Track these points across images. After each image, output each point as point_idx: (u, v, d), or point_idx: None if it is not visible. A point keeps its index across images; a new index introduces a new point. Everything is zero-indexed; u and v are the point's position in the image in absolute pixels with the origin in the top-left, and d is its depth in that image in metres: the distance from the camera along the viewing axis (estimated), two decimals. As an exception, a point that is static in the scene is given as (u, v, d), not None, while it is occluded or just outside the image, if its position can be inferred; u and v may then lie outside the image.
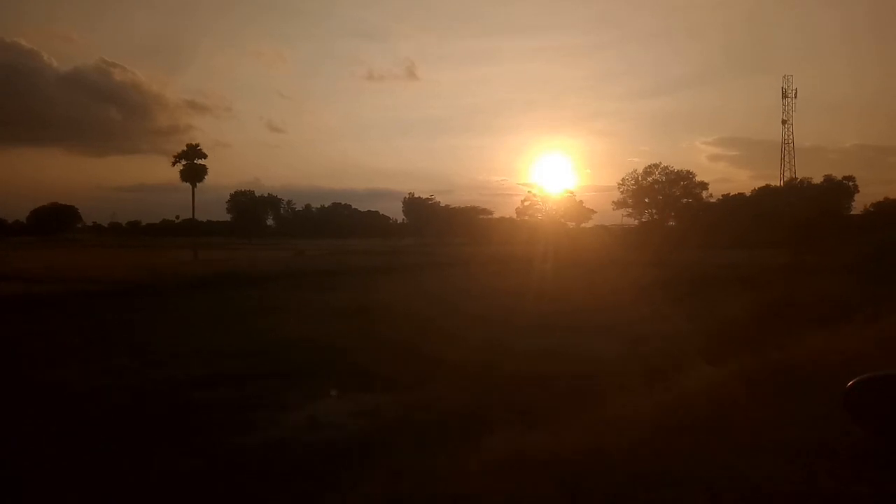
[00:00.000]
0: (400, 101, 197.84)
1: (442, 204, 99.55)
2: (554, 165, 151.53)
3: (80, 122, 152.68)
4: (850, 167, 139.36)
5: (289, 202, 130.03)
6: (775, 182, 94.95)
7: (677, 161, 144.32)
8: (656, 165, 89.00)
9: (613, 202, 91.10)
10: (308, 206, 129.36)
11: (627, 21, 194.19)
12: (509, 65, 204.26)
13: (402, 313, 18.23)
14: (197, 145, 55.76)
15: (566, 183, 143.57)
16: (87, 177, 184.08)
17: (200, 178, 56.46)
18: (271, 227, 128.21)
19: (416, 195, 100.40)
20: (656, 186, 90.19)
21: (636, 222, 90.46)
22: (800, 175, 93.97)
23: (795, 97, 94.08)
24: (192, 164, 55.65)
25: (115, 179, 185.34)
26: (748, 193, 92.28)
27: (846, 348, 8.59)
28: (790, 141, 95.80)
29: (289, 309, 20.59)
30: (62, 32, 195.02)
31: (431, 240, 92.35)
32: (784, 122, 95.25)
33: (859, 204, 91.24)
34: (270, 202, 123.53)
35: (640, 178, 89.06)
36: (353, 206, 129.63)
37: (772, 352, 11.47)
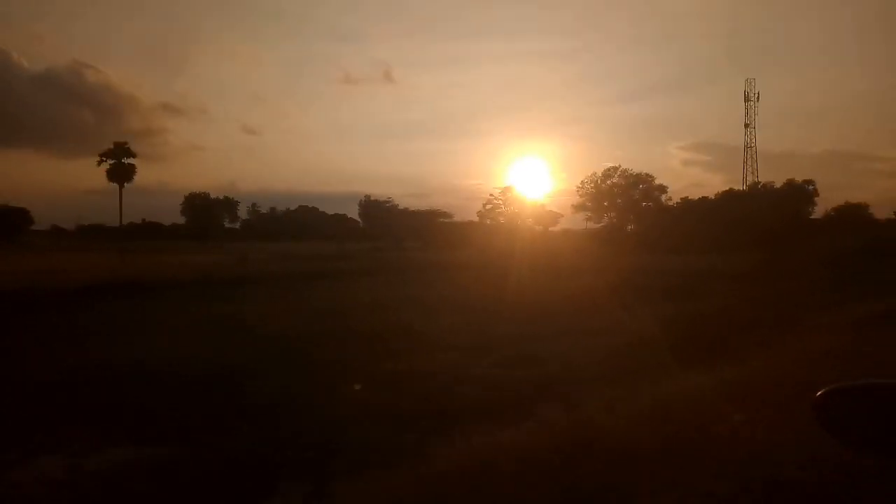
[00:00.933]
0: (377, 104, 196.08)
1: (400, 207, 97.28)
2: (529, 169, 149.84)
3: (52, 123, 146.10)
4: (821, 172, 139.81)
5: (253, 205, 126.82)
6: (740, 186, 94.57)
7: (651, 166, 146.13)
8: (615, 168, 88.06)
9: (572, 205, 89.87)
10: (273, 209, 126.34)
11: (604, 26, 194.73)
12: (486, 69, 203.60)
13: (271, 333, 15.94)
14: (125, 143, 52.53)
15: (541, 187, 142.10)
16: (57, 179, 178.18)
17: (129, 179, 53.14)
18: (233, 229, 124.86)
19: (372, 198, 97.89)
20: (616, 190, 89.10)
21: (596, 226, 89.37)
22: (765, 179, 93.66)
23: (758, 100, 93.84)
24: (120, 164, 52.38)
25: (87, 182, 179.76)
26: (712, 197, 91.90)
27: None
28: (753, 145, 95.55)
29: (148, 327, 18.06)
30: (34, 31, 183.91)
31: (388, 244, 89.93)
32: (747, 125, 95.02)
33: (821, 208, 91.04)
34: (226, 205, 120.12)
35: (598, 181, 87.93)
36: (321, 210, 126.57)
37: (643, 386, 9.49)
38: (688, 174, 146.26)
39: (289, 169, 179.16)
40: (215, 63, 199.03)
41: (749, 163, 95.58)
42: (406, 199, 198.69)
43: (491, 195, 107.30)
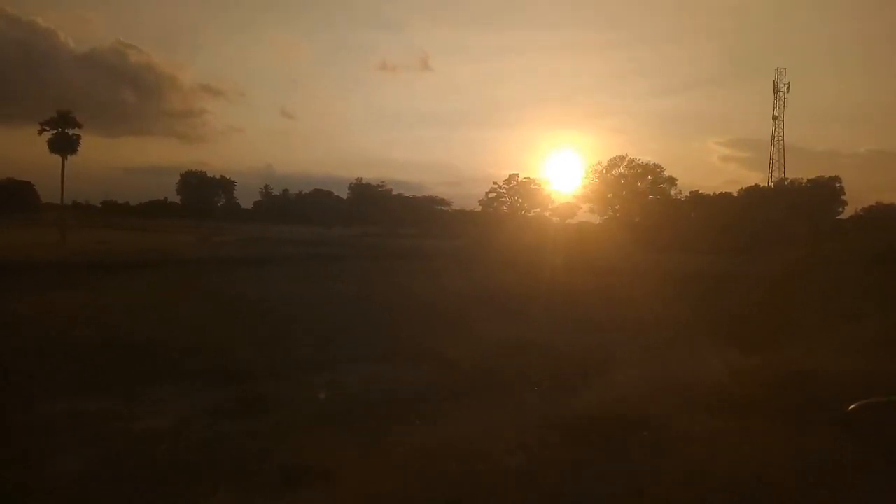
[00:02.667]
0: (413, 92, 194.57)
1: (395, 192, 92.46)
2: (562, 161, 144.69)
3: (95, 102, 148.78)
4: (864, 171, 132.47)
5: (266, 186, 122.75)
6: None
7: (687, 161, 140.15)
8: (622, 157, 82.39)
9: (575, 196, 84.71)
10: (286, 191, 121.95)
11: (642, 20, 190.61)
12: (522, 60, 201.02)
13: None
14: (69, 112, 48.34)
15: (572, 179, 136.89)
16: (98, 156, 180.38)
17: (73, 150, 48.89)
18: (245, 210, 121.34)
19: (363, 181, 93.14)
20: (622, 181, 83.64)
21: (602, 219, 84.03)
22: (802, 175, 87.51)
23: (788, 91, 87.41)
24: (64, 134, 48.17)
25: (127, 160, 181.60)
26: (735, 193, 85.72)
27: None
28: (781, 138, 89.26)
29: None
30: (79, 13, 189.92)
31: (382, 230, 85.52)
32: (775, 117, 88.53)
33: (852, 207, 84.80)
34: (223, 184, 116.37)
35: (604, 171, 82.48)
36: (336, 194, 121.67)
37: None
38: (725, 170, 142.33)
39: (324, 153, 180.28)
40: (255, 48, 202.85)
41: (776, 157, 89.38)
42: (439, 187, 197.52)
43: (495, 183, 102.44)
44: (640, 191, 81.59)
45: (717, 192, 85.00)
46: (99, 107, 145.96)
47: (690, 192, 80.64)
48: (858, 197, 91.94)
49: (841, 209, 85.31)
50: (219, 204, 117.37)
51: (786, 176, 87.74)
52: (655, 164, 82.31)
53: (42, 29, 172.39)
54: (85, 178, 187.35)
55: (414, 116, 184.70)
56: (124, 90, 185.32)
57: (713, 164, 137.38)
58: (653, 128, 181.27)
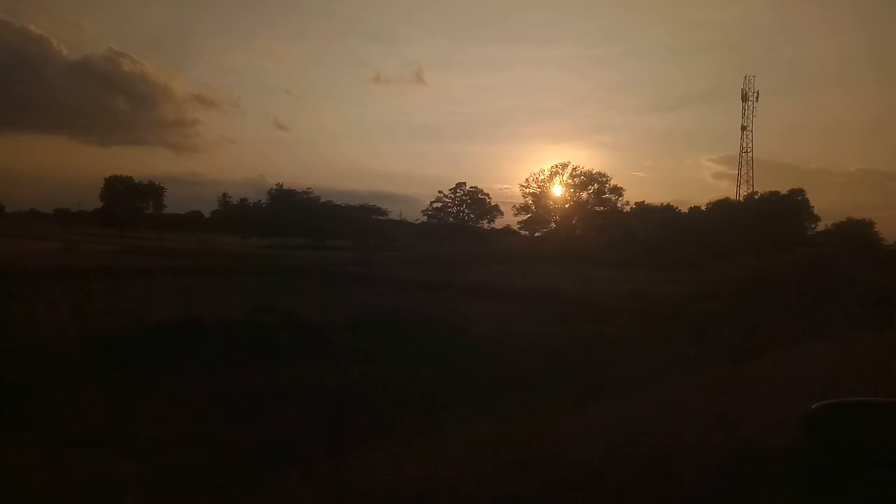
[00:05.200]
0: (406, 104, 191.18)
1: (323, 200, 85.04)
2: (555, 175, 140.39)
3: (87, 110, 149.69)
4: (855, 191, 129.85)
5: (224, 195, 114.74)
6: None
7: (681, 177, 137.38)
8: (565, 165, 76.54)
9: (514, 206, 78.74)
10: (244, 200, 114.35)
11: (637, 36, 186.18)
12: (516, 73, 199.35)
13: None
14: None
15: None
16: (88, 165, 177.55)
17: None
18: (166, 218, 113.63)
19: (284, 187, 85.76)
20: (570, 191, 77.96)
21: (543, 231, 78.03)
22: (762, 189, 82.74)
23: (757, 100, 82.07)
24: None
25: (118, 169, 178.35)
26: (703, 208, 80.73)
27: None
28: (749, 150, 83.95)
29: None
30: (72, 20, 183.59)
31: (307, 241, 78.42)
32: (743, 128, 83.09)
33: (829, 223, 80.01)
34: (151, 191, 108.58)
35: (545, 180, 76.65)
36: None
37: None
38: (718, 187, 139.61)
39: (317, 165, 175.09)
40: (249, 59, 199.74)
41: (745, 170, 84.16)
42: (430, 199, 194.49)
43: (440, 192, 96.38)
44: (583, 201, 75.84)
45: (663, 204, 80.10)
46: (91, 115, 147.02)
47: (636, 204, 75.08)
48: (844, 214, 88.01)
49: (813, 225, 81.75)
50: (146, 212, 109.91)
51: (755, 189, 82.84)
52: (600, 174, 76.74)
53: (35, 35, 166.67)
54: (74, 186, 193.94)
55: (407, 129, 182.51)
56: (117, 98, 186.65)
57: (706, 181, 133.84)
58: (647, 144, 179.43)
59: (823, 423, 2.22)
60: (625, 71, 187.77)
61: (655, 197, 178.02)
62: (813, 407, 2.22)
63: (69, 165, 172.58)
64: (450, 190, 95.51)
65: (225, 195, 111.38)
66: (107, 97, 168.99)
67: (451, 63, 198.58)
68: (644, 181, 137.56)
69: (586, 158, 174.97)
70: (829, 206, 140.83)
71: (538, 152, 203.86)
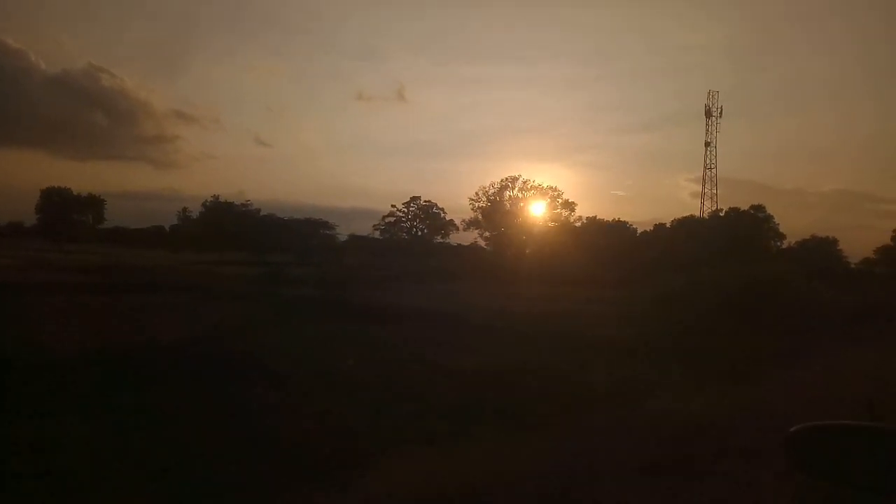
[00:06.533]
0: (389, 122, 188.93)
1: (263, 212, 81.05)
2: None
3: (66, 125, 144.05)
4: (829, 211, 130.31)
5: (184, 209, 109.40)
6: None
7: (659, 196, 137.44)
8: (515, 178, 73.81)
9: (462, 221, 75.76)
10: (204, 213, 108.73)
11: (618, 57, 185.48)
12: (498, 92, 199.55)
13: None
14: None
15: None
16: (67, 180, 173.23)
17: None
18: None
19: (220, 198, 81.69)
20: (521, 205, 75.20)
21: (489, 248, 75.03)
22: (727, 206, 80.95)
23: (721, 116, 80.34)
24: None
25: (97, 185, 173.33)
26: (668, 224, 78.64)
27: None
28: (713, 166, 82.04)
29: None
30: (51, 34, 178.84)
31: (245, 256, 74.15)
32: (707, 144, 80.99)
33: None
34: (90, 203, 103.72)
35: (495, 194, 73.80)
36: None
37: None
38: (694, 206, 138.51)
39: (298, 182, 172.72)
40: (231, 75, 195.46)
41: (709, 186, 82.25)
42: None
43: (393, 206, 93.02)
44: (533, 216, 73.22)
45: (615, 220, 77.86)
46: (69, 130, 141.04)
47: (587, 219, 72.62)
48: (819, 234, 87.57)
49: (779, 242, 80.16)
50: (86, 224, 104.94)
51: (720, 206, 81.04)
52: (551, 188, 74.23)
53: (13, 49, 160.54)
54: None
55: (389, 146, 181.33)
56: (96, 113, 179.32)
57: (684, 200, 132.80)
58: (628, 163, 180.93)
59: (803, 445, 2.26)
60: (605, 91, 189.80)
61: (636, 215, 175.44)
62: (793, 429, 2.25)
63: (47, 180, 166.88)
64: (403, 204, 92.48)
65: (185, 209, 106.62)
66: (86, 112, 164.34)
67: (434, 82, 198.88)
68: (624, 200, 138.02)
69: (568, 177, 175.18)
70: (805, 227, 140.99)
71: (517, 170, 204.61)
